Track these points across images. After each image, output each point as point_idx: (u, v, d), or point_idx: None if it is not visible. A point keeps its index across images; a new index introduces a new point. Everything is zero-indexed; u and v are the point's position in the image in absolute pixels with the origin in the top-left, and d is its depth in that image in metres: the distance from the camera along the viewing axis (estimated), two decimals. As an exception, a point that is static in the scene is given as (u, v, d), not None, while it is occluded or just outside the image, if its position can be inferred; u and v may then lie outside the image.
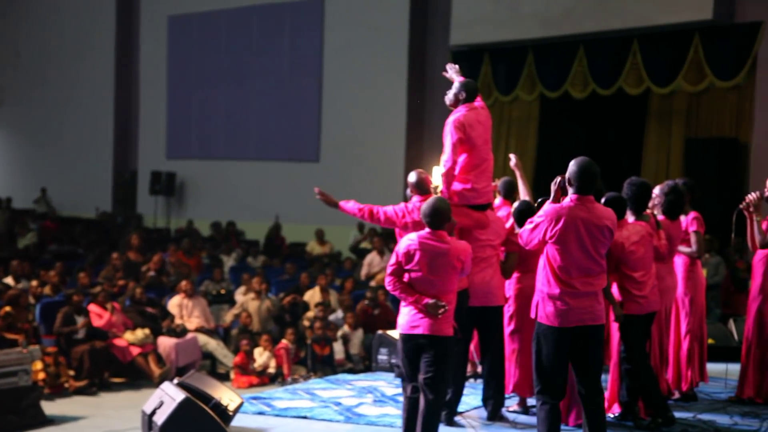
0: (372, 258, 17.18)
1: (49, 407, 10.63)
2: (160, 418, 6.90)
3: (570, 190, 6.07)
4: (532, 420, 7.39)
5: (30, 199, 26.84)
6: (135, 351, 12.76)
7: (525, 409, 7.67)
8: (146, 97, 26.28)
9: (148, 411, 7.13)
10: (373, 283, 15.98)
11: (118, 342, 12.71)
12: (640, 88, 17.93)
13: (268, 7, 23.58)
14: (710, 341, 10.29)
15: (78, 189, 26.39)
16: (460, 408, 7.56)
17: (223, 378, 13.13)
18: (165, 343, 13.25)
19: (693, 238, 8.07)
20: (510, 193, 8.31)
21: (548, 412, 6.06)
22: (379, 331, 10.59)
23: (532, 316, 6.13)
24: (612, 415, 7.32)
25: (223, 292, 15.62)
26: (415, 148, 20.84)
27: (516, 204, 7.77)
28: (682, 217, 8.06)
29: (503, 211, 8.02)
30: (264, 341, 13.70)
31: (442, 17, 20.75)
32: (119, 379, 12.79)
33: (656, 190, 7.96)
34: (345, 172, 21.54)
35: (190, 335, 13.58)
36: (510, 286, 7.61)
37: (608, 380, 7.44)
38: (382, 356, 10.12)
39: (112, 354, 12.59)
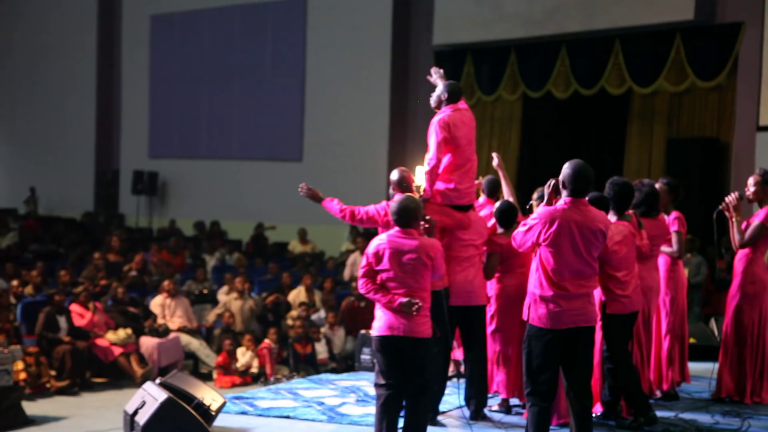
0: (355, 258, 17.18)
1: (31, 407, 10.60)
2: (142, 418, 6.88)
3: (564, 193, 6.09)
4: (515, 419, 7.41)
5: (10, 198, 26.70)
6: (117, 351, 12.73)
7: (507, 409, 7.68)
8: (128, 96, 26.17)
9: (130, 411, 7.10)
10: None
11: (100, 342, 12.68)
12: (622, 88, 17.98)
13: (251, 7, 23.54)
14: (692, 340, 10.35)
15: (59, 188, 26.25)
16: (442, 407, 7.57)
17: (206, 378, 13.11)
18: (147, 342, 13.23)
19: (674, 238, 8.11)
20: (494, 191, 8.32)
21: (537, 414, 6.06)
22: (362, 331, 10.59)
23: (524, 318, 6.13)
24: (594, 415, 7.33)
25: (205, 291, 15.60)
26: (398, 147, 20.84)
27: (497, 204, 7.80)
28: (666, 217, 8.10)
29: (486, 210, 8.03)
30: (247, 341, 13.70)
31: (424, 17, 20.75)
32: (101, 379, 12.77)
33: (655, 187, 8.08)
34: (328, 172, 21.51)
35: (172, 335, 13.56)
36: (491, 286, 7.62)
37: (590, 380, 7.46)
38: (365, 356, 10.12)
39: (93, 354, 12.57)
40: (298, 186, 7.70)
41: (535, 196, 7.58)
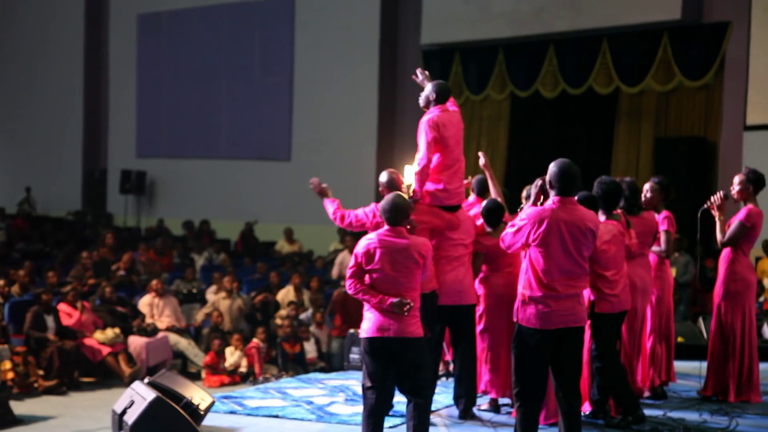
0: (344, 257, 17.18)
1: (18, 407, 10.56)
2: (130, 418, 6.88)
3: (551, 193, 6.09)
4: (504, 418, 7.43)
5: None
6: (105, 350, 12.70)
7: (496, 408, 7.70)
8: (116, 96, 26.12)
9: (119, 410, 7.09)
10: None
11: (88, 341, 12.65)
12: (610, 87, 18.04)
13: (239, 5, 23.52)
14: (680, 339, 10.40)
15: (47, 188, 26.17)
16: (432, 406, 7.57)
17: (194, 377, 13.09)
18: (135, 342, 13.20)
19: (663, 238, 8.14)
20: (483, 191, 8.33)
21: (526, 414, 6.06)
22: (351, 330, 10.60)
23: (514, 319, 6.13)
24: (583, 414, 7.35)
25: (194, 291, 15.57)
26: (386, 146, 20.86)
27: (485, 202, 7.81)
28: (657, 216, 8.13)
29: (476, 209, 8.04)
30: (235, 340, 13.68)
31: (413, 16, 20.78)
32: (89, 379, 12.73)
33: (646, 186, 8.19)
34: (316, 171, 21.25)
35: (160, 334, 13.54)
36: (479, 286, 7.64)
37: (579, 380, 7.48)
38: (354, 355, 10.13)
39: (82, 353, 12.53)
40: (310, 181, 7.65)
41: (524, 194, 7.60)
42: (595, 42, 18.09)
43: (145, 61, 25.35)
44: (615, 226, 7.21)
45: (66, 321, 12.62)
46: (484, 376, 7.64)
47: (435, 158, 7.25)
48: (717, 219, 8.04)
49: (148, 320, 13.65)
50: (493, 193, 8.15)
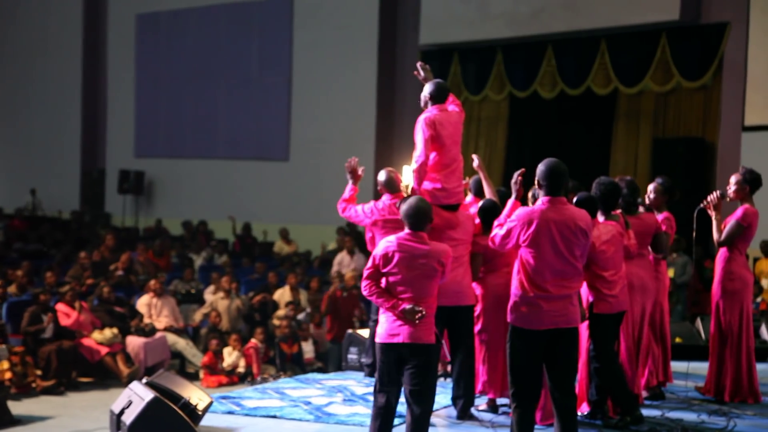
0: (342, 257, 17.19)
1: (16, 407, 10.57)
2: (128, 418, 6.86)
3: (540, 193, 6.08)
4: (501, 419, 7.42)
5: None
6: (103, 350, 12.70)
7: (494, 408, 7.69)
8: (114, 96, 26.12)
9: (117, 410, 7.08)
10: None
11: (86, 341, 12.65)
12: (608, 88, 18.05)
13: (237, 6, 23.53)
14: (677, 340, 10.40)
15: (45, 188, 26.16)
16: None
17: (192, 377, 13.10)
18: (133, 342, 13.20)
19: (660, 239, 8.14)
20: (481, 190, 8.33)
21: (521, 415, 6.06)
22: (349, 331, 10.59)
23: (508, 319, 6.14)
24: (581, 414, 7.36)
25: (192, 291, 15.57)
26: (384, 146, 20.86)
27: (481, 203, 7.80)
28: (658, 216, 8.14)
29: (474, 209, 8.04)
30: (233, 341, 13.69)
31: (411, 17, 20.78)
32: (87, 379, 12.74)
33: (650, 187, 8.22)
34: (314, 171, 21.53)
35: (158, 334, 13.54)
36: (476, 286, 7.63)
37: (577, 379, 7.48)
38: (352, 355, 10.11)
39: (79, 353, 12.54)
40: (347, 161, 7.73)
41: (530, 195, 7.60)
42: (594, 42, 18.09)
43: (144, 61, 25.36)
44: (614, 226, 7.20)
45: (64, 321, 12.62)
46: (482, 376, 7.63)
47: (432, 157, 7.25)
48: (713, 219, 8.05)
49: (146, 320, 13.65)
50: (488, 193, 8.14)
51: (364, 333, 9.78)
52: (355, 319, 14.57)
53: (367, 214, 7.32)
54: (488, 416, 7.54)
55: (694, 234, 8.21)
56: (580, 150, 18.23)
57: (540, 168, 6.07)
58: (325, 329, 14.71)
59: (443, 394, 7.73)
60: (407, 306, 5.97)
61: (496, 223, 6.34)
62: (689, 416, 7.56)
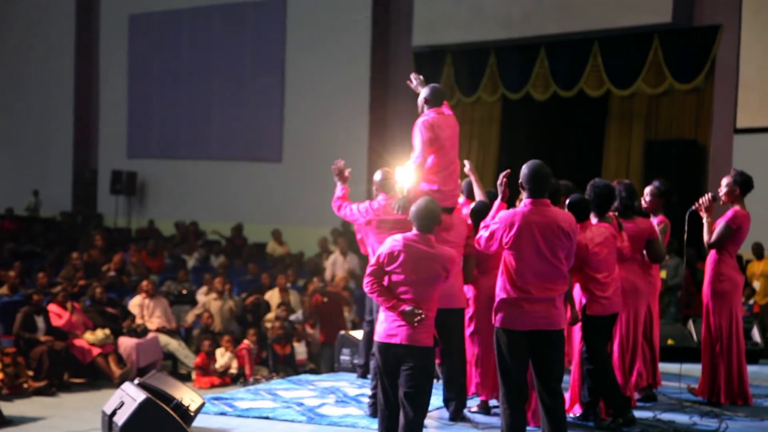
0: (335, 258, 17.18)
1: (8, 408, 10.55)
2: (120, 419, 6.86)
3: (523, 195, 6.11)
4: (494, 420, 7.42)
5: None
6: (95, 351, 12.68)
7: (486, 410, 7.70)
8: (106, 96, 26.08)
9: (109, 411, 7.08)
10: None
11: (78, 342, 12.63)
12: (601, 90, 18.08)
13: (230, 6, 23.51)
14: (670, 342, 10.42)
15: (37, 188, 26.09)
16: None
17: (185, 378, 13.09)
18: (126, 343, 13.18)
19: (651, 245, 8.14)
20: (472, 193, 8.34)
21: (511, 416, 6.08)
22: (342, 332, 10.59)
23: (492, 321, 6.15)
24: (573, 416, 7.37)
25: (184, 292, 15.55)
26: (377, 148, 20.84)
27: (472, 204, 7.81)
28: (653, 219, 8.16)
29: (466, 210, 8.05)
30: (225, 342, 13.67)
31: (404, 18, 20.79)
32: (79, 380, 12.71)
33: (646, 190, 8.26)
34: (307, 173, 21.52)
35: (151, 335, 13.52)
36: (469, 288, 7.63)
37: (570, 380, 7.49)
38: (345, 357, 10.12)
39: (71, 354, 12.51)
40: (334, 163, 7.79)
41: (518, 202, 7.60)
42: (586, 45, 18.12)
43: (136, 62, 25.33)
44: (607, 228, 7.22)
45: (56, 322, 12.60)
46: (474, 378, 7.64)
47: (430, 159, 7.27)
48: (705, 221, 8.08)
49: (139, 321, 13.63)
50: (479, 196, 8.15)
51: (357, 335, 9.78)
52: (345, 319, 14.59)
53: (362, 213, 7.34)
54: (481, 418, 7.55)
55: (685, 236, 8.22)
56: (572, 152, 18.28)
57: (523, 170, 6.10)
58: (319, 330, 14.70)
59: (435, 396, 7.73)
60: (407, 307, 5.97)
61: (482, 224, 6.36)
62: (681, 418, 7.58)
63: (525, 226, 5.97)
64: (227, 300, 14.85)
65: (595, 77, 18.07)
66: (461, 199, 8.39)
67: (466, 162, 8.25)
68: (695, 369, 8.59)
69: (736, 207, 8.07)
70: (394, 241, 6.11)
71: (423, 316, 5.96)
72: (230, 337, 13.86)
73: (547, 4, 18.43)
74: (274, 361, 13.70)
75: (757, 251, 15.01)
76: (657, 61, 17.34)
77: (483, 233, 6.19)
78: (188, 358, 13.79)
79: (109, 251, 16.94)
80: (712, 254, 8.18)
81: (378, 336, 6.13)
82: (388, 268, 6.06)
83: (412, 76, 7.78)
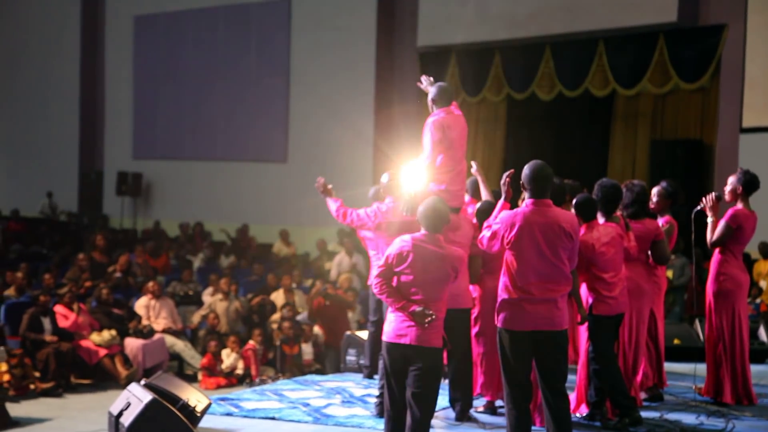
0: (341, 258, 17.18)
1: (15, 409, 10.57)
2: (127, 420, 6.87)
3: (525, 195, 6.10)
4: (500, 420, 7.42)
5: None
6: (101, 352, 12.69)
7: (492, 410, 7.70)
8: (112, 98, 26.10)
9: (115, 412, 7.09)
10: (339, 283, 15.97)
11: (85, 343, 12.64)
12: (606, 89, 18.04)
13: (235, 8, 23.51)
14: (676, 341, 10.41)
15: (43, 190, 26.11)
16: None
17: (191, 379, 13.09)
18: (132, 344, 13.19)
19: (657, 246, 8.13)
20: (477, 192, 8.34)
21: (516, 417, 6.08)
22: (348, 332, 10.59)
23: (495, 321, 6.16)
24: (579, 415, 7.37)
25: (190, 293, 15.56)
26: (383, 148, 20.83)
27: (478, 204, 7.81)
28: (660, 220, 8.15)
29: (471, 209, 8.05)
30: (231, 342, 13.67)
31: (409, 18, 20.77)
32: (85, 381, 12.71)
33: (654, 190, 8.23)
34: (312, 173, 21.24)
35: (157, 336, 13.53)
36: (474, 288, 7.63)
37: (576, 380, 7.49)
38: (351, 357, 10.12)
39: (78, 355, 12.52)
40: (317, 180, 7.87)
41: (520, 201, 7.60)
42: (592, 44, 18.09)
43: (142, 63, 25.34)
44: (614, 228, 7.22)
45: (62, 323, 12.61)
46: (479, 378, 7.65)
47: (439, 159, 7.28)
48: (709, 220, 8.06)
49: (145, 322, 13.64)
50: (486, 196, 8.16)
51: (363, 335, 9.78)
52: (349, 320, 14.58)
53: (371, 217, 7.32)
54: (487, 418, 7.55)
55: (692, 236, 8.22)
56: (577, 152, 18.24)
57: (525, 171, 6.12)
58: (322, 332, 14.69)
59: (441, 396, 7.73)
60: (418, 308, 5.95)
61: (485, 224, 6.36)
62: (688, 418, 7.57)
63: (526, 226, 5.97)
64: (233, 301, 14.86)
65: (600, 77, 18.04)
66: (466, 198, 8.40)
67: (473, 163, 8.26)
68: (703, 369, 8.58)
69: (737, 206, 8.06)
70: (402, 242, 6.10)
71: (434, 316, 5.95)
72: (236, 337, 13.86)
73: (552, 4, 18.40)
74: (282, 361, 13.70)
75: (764, 250, 14.99)
76: (662, 60, 17.31)
77: (485, 233, 6.20)
78: (194, 358, 13.80)
79: (115, 252, 16.94)
80: (715, 254, 8.18)
81: (387, 336, 6.11)
82: (397, 269, 6.05)
83: (423, 78, 7.77)
